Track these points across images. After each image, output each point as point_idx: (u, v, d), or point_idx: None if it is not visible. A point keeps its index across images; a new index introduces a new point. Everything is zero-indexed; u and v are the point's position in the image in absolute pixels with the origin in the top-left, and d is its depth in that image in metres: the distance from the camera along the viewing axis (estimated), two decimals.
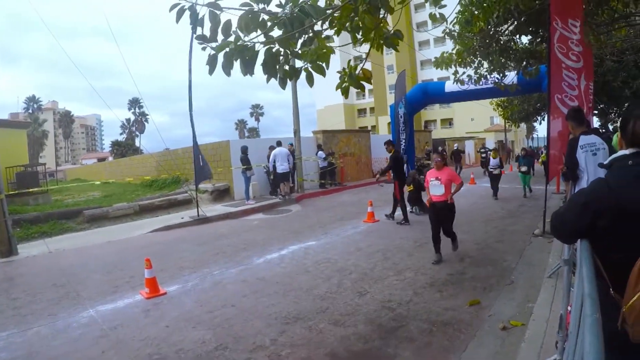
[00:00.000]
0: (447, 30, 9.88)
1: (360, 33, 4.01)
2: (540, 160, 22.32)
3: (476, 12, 9.18)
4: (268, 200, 17.15)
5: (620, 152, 2.14)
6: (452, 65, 10.36)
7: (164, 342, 5.14)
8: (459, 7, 9.46)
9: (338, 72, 4.13)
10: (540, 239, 8.85)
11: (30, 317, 6.22)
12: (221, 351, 4.83)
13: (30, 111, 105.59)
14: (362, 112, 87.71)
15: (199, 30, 3.44)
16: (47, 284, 7.81)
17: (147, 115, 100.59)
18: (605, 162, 2.23)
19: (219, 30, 3.40)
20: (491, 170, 17.03)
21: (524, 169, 16.43)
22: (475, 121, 68.96)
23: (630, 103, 8.14)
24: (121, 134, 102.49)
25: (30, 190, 18.36)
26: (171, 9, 3.31)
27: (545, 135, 8.65)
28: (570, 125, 6.13)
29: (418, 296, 6.16)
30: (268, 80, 3.76)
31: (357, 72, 4.07)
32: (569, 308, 3.25)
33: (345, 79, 4.06)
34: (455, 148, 30.42)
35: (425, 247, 8.84)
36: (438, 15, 5.65)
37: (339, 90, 4.14)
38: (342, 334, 5.07)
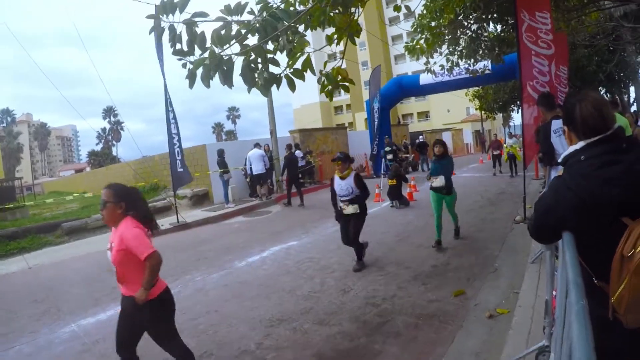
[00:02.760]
0: (416, 25, 9.87)
1: (333, 32, 4.01)
2: (505, 152, 20.02)
3: (441, 5, 9.16)
4: (247, 203, 17.00)
5: (572, 148, 2.08)
6: (423, 56, 10.34)
7: (148, 353, 5.01)
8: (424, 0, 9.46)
9: (320, 70, 4.10)
10: (521, 225, 8.86)
11: (12, 335, 6.05)
12: (206, 359, 4.75)
13: (4, 124, 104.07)
14: (338, 109, 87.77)
15: (177, 45, 3.47)
16: (27, 300, 7.62)
17: (123, 123, 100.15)
18: (560, 160, 2.20)
19: (195, 44, 3.43)
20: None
21: (437, 183, 8.18)
22: (451, 113, 69.44)
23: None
24: (97, 143, 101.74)
25: (7, 205, 18.02)
26: (151, 31, 3.41)
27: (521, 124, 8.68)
28: (542, 110, 6.16)
29: (402, 290, 6.11)
30: (249, 89, 3.73)
31: (326, 70, 4.05)
32: (554, 293, 3.22)
33: (325, 82, 4.03)
34: (420, 140, 29.23)
35: (407, 240, 8.83)
36: (403, 7, 5.62)
37: (323, 92, 4.16)
38: (327, 333, 5.00)
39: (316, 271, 7.49)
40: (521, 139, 9.84)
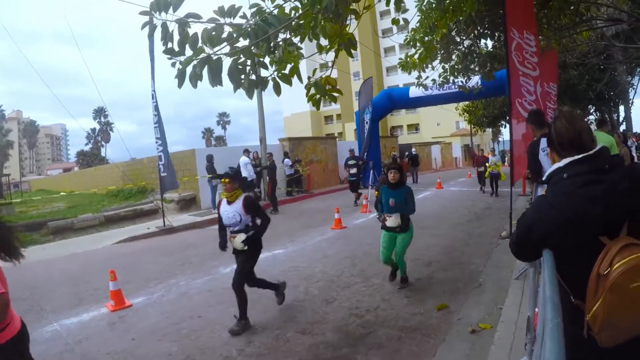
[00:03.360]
0: (408, 39, 9.94)
1: (324, 40, 4.03)
2: (487, 169, 18.49)
3: (435, 20, 9.23)
4: None
5: (555, 165, 2.11)
6: (415, 70, 10.40)
7: (129, 356, 5.00)
8: (419, 14, 9.52)
9: (309, 77, 4.12)
10: (507, 241, 8.90)
11: None
12: None
13: None
14: (328, 119, 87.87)
15: (168, 44, 3.47)
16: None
17: (112, 124, 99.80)
18: (543, 178, 2.22)
19: (187, 44, 3.44)
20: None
21: (390, 222, 6.51)
22: (441, 126, 69.83)
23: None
24: (87, 144, 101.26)
25: None
26: (143, 27, 3.39)
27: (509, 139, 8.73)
28: (531, 128, 6.21)
29: (386, 302, 6.11)
30: (235, 89, 3.74)
31: (315, 78, 4.07)
32: (536, 309, 3.24)
33: (312, 89, 4.05)
34: (412, 153, 29.87)
35: None
36: (402, 21, 5.66)
37: (310, 101, 4.16)
38: (310, 343, 4.99)
39: (300, 280, 7.47)
40: (509, 154, 9.90)
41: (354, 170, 17.28)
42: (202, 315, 6.12)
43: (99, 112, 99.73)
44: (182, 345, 5.18)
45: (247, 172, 16.39)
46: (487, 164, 18.47)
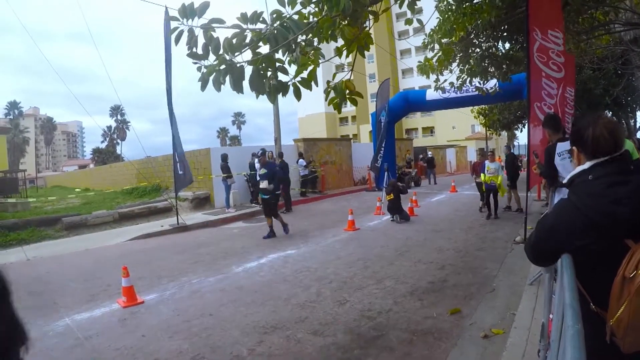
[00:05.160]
0: (426, 42, 9.88)
1: (342, 41, 4.05)
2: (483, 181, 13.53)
3: (453, 23, 9.16)
4: (248, 209, 17.00)
5: (579, 168, 2.08)
6: (433, 73, 10.34)
7: (139, 352, 5.01)
8: (437, 15, 9.46)
9: (328, 81, 4.15)
10: (521, 246, 8.81)
11: None
12: None
13: (11, 117, 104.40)
14: (343, 120, 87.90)
15: (193, 49, 3.60)
16: (24, 291, 7.60)
17: (129, 122, 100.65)
18: (565, 181, 2.19)
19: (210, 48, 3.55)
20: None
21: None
22: (456, 129, 69.46)
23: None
24: (102, 141, 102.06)
25: (9, 196, 18.10)
26: (171, 33, 3.51)
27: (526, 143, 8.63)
28: (547, 133, 6.15)
29: (398, 305, 6.08)
30: (257, 96, 3.80)
31: (335, 82, 4.09)
32: (550, 316, 3.20)
33: (332, 93, 4.07)
34: (428, 155, 31.03)
35: (406, 255, 8.79)
36: (416, 22, 5.63)
37: (331, 105, 4.19)
38: (321, 344, 4.97)
39: (313, 281, 7.45)
40: (525, 158, 9.71)
41: (264, 184, 11.59)
42: (213, 314, 6.12)
43: (116, 110, 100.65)
44: (193, 343, 5.18)
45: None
46: (483, 173, 13.53)
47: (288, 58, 3.94)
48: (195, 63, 3.61)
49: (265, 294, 6.83)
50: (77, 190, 28.21)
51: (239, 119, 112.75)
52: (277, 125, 19.60)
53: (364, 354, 4.68)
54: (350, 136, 72.11)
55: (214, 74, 3.54)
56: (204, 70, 3.59)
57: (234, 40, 3.53)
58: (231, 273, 8.26)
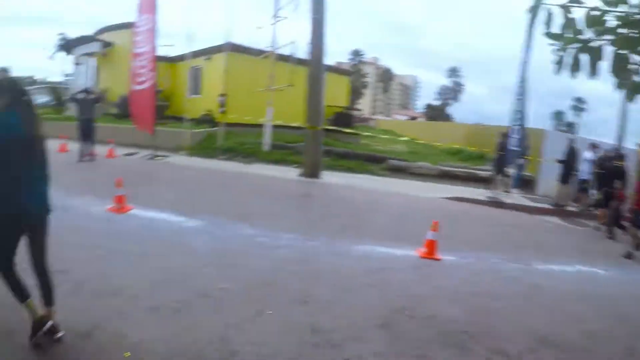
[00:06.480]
0: None
1: None
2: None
3: None
4: (571, 206, 14.73)
5: None
6: None
7: (419, 307, 5.07)
8: None
9: None
10: None
11: (324, 238, 7.34)
12: (464, 335, 4.46)
13: (354, 62, 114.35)
14: None
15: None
16: (334, 210, 8.76)
17: (463, 85, 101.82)
18: None
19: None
20: None
21: None
22: None
23: None
24: (436, 98, 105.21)
25: (344, 129, 20.35)
26: (530, 10, 3.31)
27: None
28: None
29: None
30: (618, 86, 3.35)
31: None
32: None
33: None
34: None
35: None
36: None
37: None
38: None
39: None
40: None
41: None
42: (502, 301, 5.64)
43: (453, 72, 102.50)
44: (470, 317, 4.94)
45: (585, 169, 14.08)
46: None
47: None
48: (552, 44, 3.33)
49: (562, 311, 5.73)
50: (404, 138, 29.86)
51: (578, 105, 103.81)
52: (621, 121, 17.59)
53: None
54: None
55: (570, 54, 3.25)
56: (561, 53, 3.30)
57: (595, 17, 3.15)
58: (531, 268, 7.44)
